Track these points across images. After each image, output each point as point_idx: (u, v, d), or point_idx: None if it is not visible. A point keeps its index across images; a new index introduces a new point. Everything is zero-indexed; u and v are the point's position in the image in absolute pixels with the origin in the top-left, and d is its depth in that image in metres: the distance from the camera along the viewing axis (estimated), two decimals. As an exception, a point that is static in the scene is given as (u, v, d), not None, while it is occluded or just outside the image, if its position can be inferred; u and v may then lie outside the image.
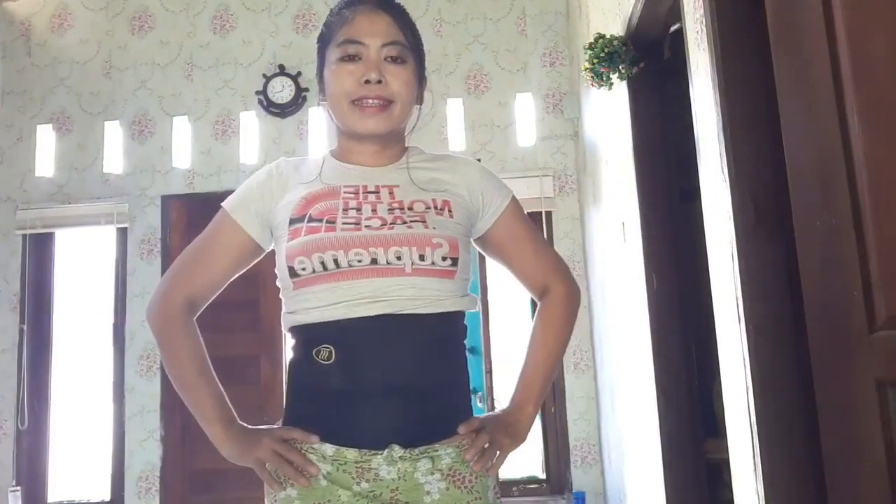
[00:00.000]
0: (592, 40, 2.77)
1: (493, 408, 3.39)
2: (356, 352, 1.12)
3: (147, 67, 4.51)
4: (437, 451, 1.12)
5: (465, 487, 1.13)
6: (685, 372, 2.68)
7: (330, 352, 1.12)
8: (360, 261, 1.12)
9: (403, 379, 1.11)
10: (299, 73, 4.39)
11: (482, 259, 3.49)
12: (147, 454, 4.14)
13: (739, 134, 1.67)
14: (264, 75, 4.41)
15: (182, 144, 4.27)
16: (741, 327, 1.68)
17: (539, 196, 4.22)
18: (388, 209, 1.17)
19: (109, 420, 4.30)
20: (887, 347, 1.15)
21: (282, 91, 4.38)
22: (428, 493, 1.10)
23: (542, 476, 4.18)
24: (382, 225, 1.15)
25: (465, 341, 1.25)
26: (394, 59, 1.20)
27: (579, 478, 4.03)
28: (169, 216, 4.35)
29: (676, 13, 2.17)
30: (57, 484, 4.38)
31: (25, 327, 4.30)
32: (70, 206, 4.37)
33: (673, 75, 2.62)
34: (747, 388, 1.66)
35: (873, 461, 1.18)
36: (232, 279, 1.31)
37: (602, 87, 2.84)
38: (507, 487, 4.02)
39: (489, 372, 3.40)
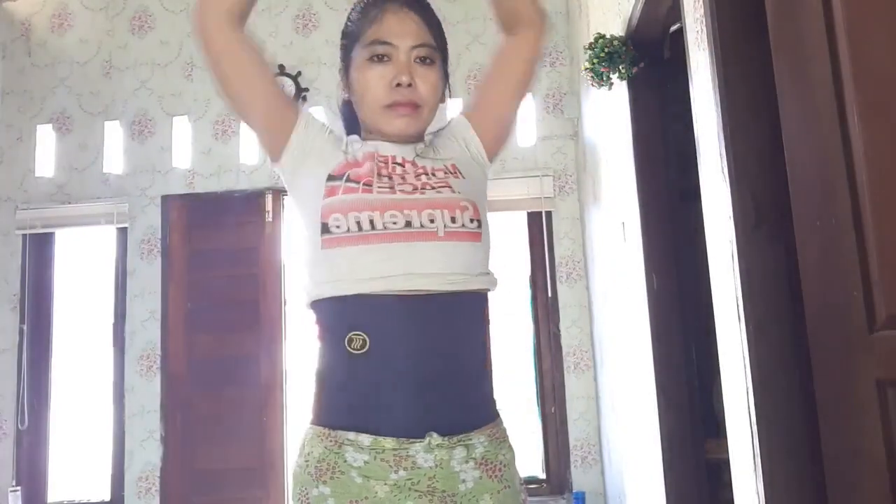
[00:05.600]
0: (592, 40, 2.77)
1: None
2: (390, 340, 1.09)
3: (147, 67, 4.51)
4: (471, 439, 1.12)
5: (496, 476, 1.13)
6: (685, 372, 2.68)
7: (364, 340, 1.08)
8: (395, 223, 1.11)
9: (439, 367, 1.10)
10: (299, 73, 4.39)
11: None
12: (147, 454, 4.14)
13: (739, 134, 1.67)
14: (264, 75, 4.40)
15: (182, 144, 4.27)
16: (741, 327, 1.68)
17: (539, 196, 4.22)
18: (416, 176, 1.19)
19: (109, 420, 4.30)
20: (887, 347, 1.15)
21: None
22: (463, 481, 1.10)
23: (542, 476, 4.18)
24: (414, 189, 1.16)
25: (488, 318, 1.23)
26: (422, 61, 1.21)
27: (579, 478, 4.03)
28: (169, 216, 4.35)
29: (676, 13, 2.17)
30: (57, 484, 4.38)
31: (25, 327, 4.30)
32: (70, 206, 4.37)
33: (673, 75, 2.62)
34: (747, 388, 1.66)
35: (873, 461, 1.18)
36: (253, 74, 1.25)
37: (602, 87, 2.84)
38: (507, 487, 4.01)
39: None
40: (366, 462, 1.08)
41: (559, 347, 4.17)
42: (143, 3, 4.58)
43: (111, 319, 4.40)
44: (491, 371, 1.23)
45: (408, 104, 1.19)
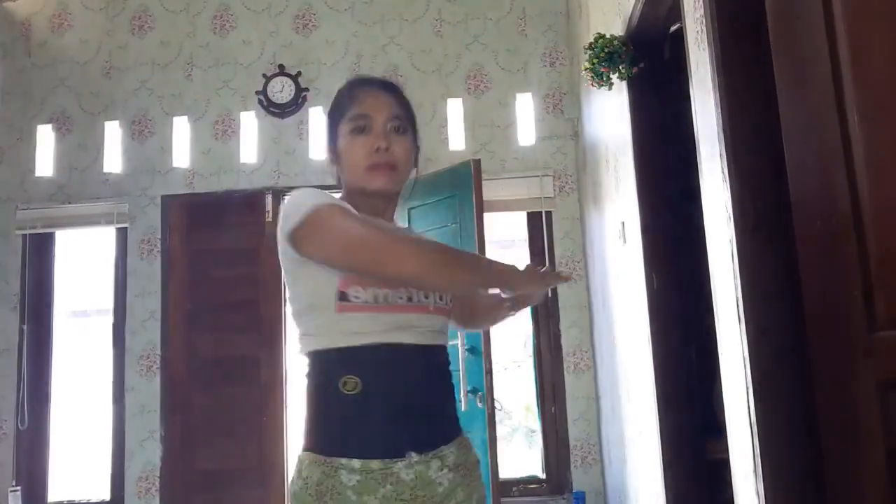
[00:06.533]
0: (592, 40, 2.77)
1: (493, 408, 3.40)
2: (379, 383, 1.31)
3: (147, 67, 4.51)
4: (443, 452, 1.35)
5: (467, 474, 1.38)
6: (685, 372, 2.68)
7: (356, 383, 1.29)
8: (400, 298, 1.34)
9: (416, 401, 1.33)
10: (299, 73, 4.39)
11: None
12: (147, 454, 4.14)
13: (739, 134, 1.67)
14: (264, 75, 4.41)
15: (182, 144, 4.27)
16: (741, 327, 1.68)
17: (539, 196, 4.22)
18: None
19: (109, 420, 4.30)
20: (887, 348, 1.15)
21: (282, 91, 4.38)
22: (440, 484, 1.32)
23: (542, 476, 4.18)
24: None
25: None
26: (396, 130, 1.42)
27: (579, 478, 4.03)
28: (169, 216, 4.35)
29: (676, 13, 2.17)
30: (57, 484, 4.38)
31: (25, 327, 4.30)
32: (70, 206, 4.37)
33: (673, 75, 2.62)
34: (747, 388, 1.66)
35: (873, 461, 1.18)
36: None
37: (602, 87, 2.84)
38: (507, 487, 4.02)
39: (489, 372, 3.39)
40: (358, 481, 1.27)
41: (559, 347, 4.17)
42: (143, 3, 4.58)
43: (111, 319, 4.40)
44: (453, 398, 1.47)
45: (386, 164, 1.40)
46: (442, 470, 1.33)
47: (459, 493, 1.35)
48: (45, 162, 4.28)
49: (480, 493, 1.41)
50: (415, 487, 1.29)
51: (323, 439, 1.32)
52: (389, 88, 1.48)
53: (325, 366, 1.33)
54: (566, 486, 4.06)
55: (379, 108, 1.42)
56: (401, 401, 1.31)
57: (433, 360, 1.39)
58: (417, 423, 1.33)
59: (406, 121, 1.45)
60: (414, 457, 1.30)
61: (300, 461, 1.33)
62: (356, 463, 1.27)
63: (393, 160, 1.40)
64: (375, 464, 1.27)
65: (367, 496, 1.26)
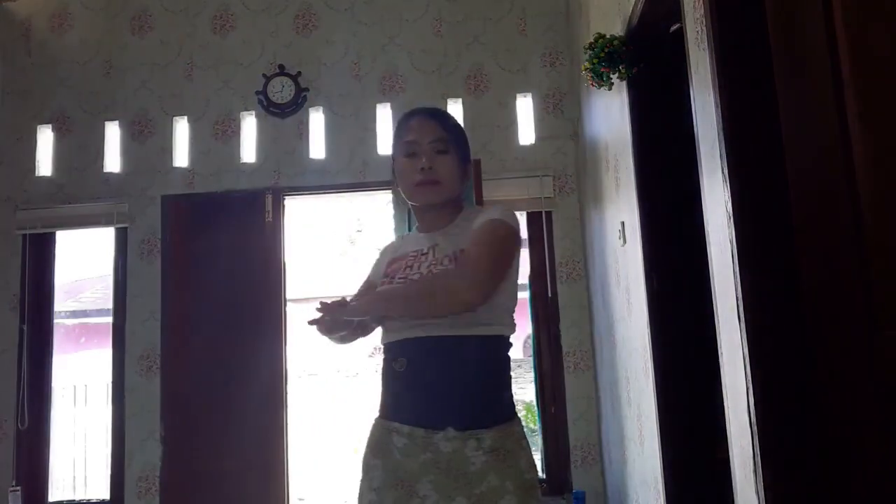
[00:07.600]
0: (592, 40, 2.77)
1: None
2: (417, 361, 1.58)
3: (147, 67, 4.51)
4: (481, 435, 1.53)
5: (500, 459, 1.53)
6: (685, 372, 2.68)
7: (403, 362, 1.58)
8: None
9: (450, 382, 1.55)
10: (299, 73, 4.39)
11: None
12: (147, 454, 4.14)
13: (739, 134, 1.67)
14: (264, 75, 4.41)
15: (182, 144, 4.27)
16: (741, 328, 1.68)
17: (539, 196, 4.22)
18: (428, 265, 1.64)
19: (109, 420, 4.30)
20: (887, 347, 1.15)
21: (282, 91, 4.38)
22: (473, 463, 1.51)
23: (543, 476, 4.18)
24: (421, 277, 1.63)
25: (504, 352, 1.66)
26: (439, 151, 1.68)
27: (579, 478, 4.03)
28: (169, 216, 4.34)
29: (676, 13, 2.16)
30: (57, 484, 4.38)
31: (25, 327, 4.30)
32: (70, 206, 4.37)
33: (673, 75, 2.62)
34: (747, 389, 1.66)
35: (874, 462, 1.18)
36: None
37: (602, 87, 2.83)
38: (507, 487, 4.01)
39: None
40: (404, 444, 1.55)
41: (559, 347, 4.17)
42: (143, 3, 4.58)
43: (111, 319, 4.40)
44: (499, 386, 1.63)
45: (429, 181, 1.66)
46: (478, 451, 1.51)
47: (492, 476, 1.51)
48: (45, 162, 4.29)
49: (517, 480, 1.53)
50: (451, 460, 1.51)
51: (383, 406, 1.63)
52: (434, 114, 1.75)
53: (387, 353, 1.64)
54: (566, 486, 4.06)
55: (424, 133, 1.68)
56: (437, 380, 1.54)
57: (459, 349, 1.56)
58: (455, 403, 1.54)
59: (448, 141, 1.70)
60: (451, 432, 1.52)
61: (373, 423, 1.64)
62: (404, 428, 1.55)
63: (436, 177, 1.66)
64: (419, 432, 1.53)
65: (410, 459, 1.53)
